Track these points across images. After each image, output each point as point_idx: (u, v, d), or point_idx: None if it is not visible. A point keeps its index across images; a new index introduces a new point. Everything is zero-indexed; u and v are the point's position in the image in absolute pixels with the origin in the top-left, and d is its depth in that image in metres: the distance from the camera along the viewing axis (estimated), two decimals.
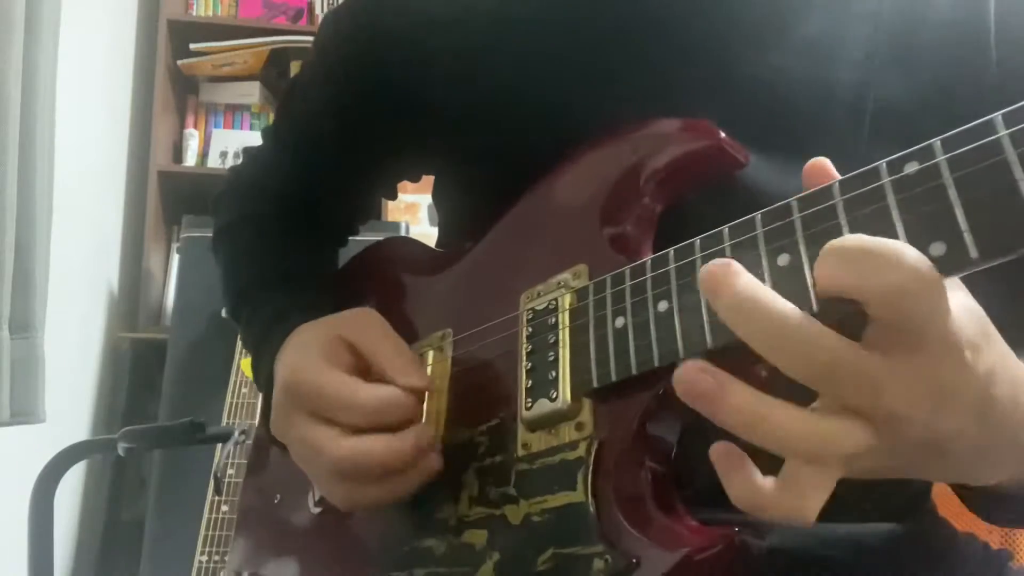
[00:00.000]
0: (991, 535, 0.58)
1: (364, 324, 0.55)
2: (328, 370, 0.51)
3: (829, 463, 0.31)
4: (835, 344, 0.30)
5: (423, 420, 0.52)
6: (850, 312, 0.30)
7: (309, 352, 0.53)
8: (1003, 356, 0.33)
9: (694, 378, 0.31)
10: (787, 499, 0.31)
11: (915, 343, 0.29)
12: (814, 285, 0.31)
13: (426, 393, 0.53)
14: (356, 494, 0.51)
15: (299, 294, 0.65)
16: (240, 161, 0.80)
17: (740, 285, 0.31)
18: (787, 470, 0.32)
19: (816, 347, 0.30)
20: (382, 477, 0.49)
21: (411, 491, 0.50)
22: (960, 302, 0.31)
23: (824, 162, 0.35)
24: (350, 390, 0.50)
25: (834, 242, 0.30)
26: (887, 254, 0.28)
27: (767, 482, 0.32)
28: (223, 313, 1.69)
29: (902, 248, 0.28)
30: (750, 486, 0.32)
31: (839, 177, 0.33)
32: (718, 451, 0.33)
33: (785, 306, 0.30)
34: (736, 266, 0.31)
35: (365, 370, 0.52)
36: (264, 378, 0.60)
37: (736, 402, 0.31)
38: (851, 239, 0.30)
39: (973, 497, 0.48)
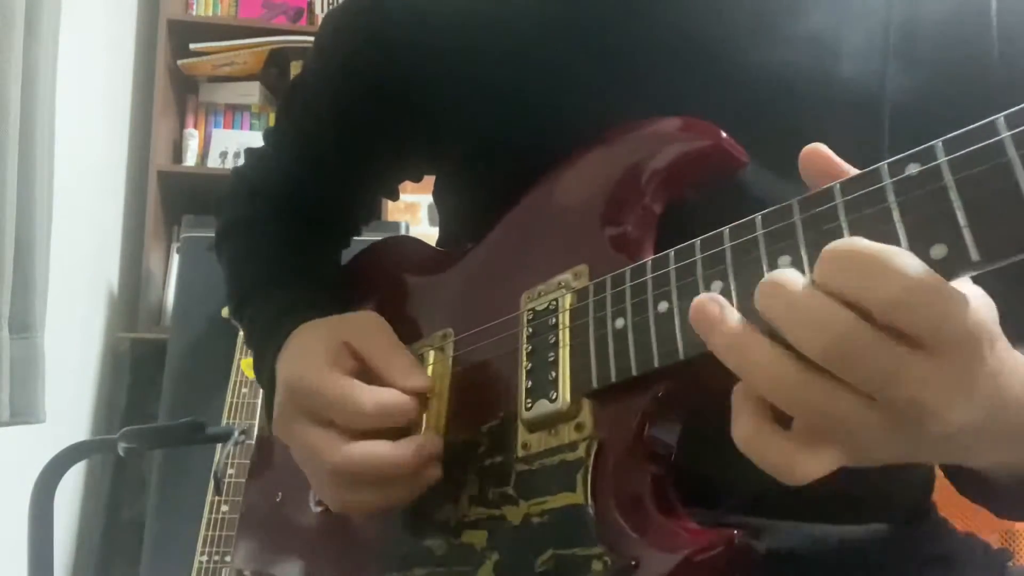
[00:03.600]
0: (991, 535, 0.58)
1: (366, 328, 0.55)
2: (329, 373, 0.51)
3: (820, 424, 0.31)
4: (863, 331, 0.29)
5: (424, 425, 0.52)
6: None
7: (311, 354, 0.53)
8: (1005, 342, 0.34)
9: (702, 301, 0.32)
10: (783, 451, 0.31)
11: (934, 341, 0.29)
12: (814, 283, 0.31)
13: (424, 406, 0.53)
14: (353, 500, 0.50)
15: (302, 292, 0.65)
16: (242, 162, 0.80)
17: (731, 322, 0.31)
18: (796, 426, 0.32)
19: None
20: (380, 484, 0.49)
21: (409, 500, 0.50)
22: (977, 293, 0.31)
23: (818, 147, 0.35)
24: (350, 393, 0.50)
25: (832, 247, 0.30)
26: (886, 264, 0.28)
27: (773, 428, 0.32)
28: (223, 313, 1.70)
29: (900, 258, 0.28)
30: (755, 424, 0.32)
31: (836, 160, 0.33)
32: (738, 389, 0.33)
33: (804, 288, 0.30)
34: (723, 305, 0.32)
35: (367, 374, 0.52)
36: (266, 376, 0.60)
37: (729, 327, 0.32)
38: (847, 245, 0.29)
39: (966, 483, 0.49)
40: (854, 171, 0.33)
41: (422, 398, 0.52)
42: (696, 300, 0.33)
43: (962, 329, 0.29)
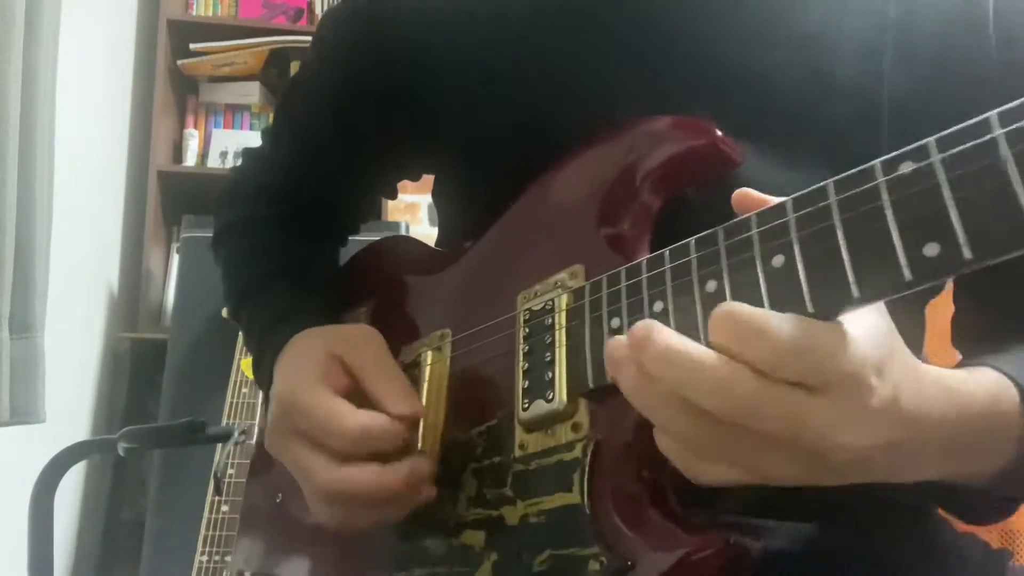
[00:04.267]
0: (991, 535, 0.58)
1: (360, 344, 0.54)
2: (320, 392, 0.51)
3: (736, 463, 0.34)
4: (764, 392, 0.32)
5: (420, 432, 0.52)
6: None
7: (305, 369, 0.53)
8: (905, 362, 0.35)
9: (610, 345, 0.35)
10: (683, 458, 0.35)
11: (824, 385, 0.32)
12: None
13: (424, 397, 0.53)
14: (344, 518, 0.50)
15: (299, 295, 0.65)
16: (240, 162, 0.80)
17: (661, 342, 0.33)
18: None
19: (732, 387, 0.32)
20: (372, 505, 0.49)
21: (401, 517, 0.50)
22: (860, 329, 0.33)
23: (747, 192, 0.37)
24: (337, 416, 0.49)
25: (714, 313, 0.33)
26: (758, 327, 0.31)
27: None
28: (223, 313, 1.69)
29: (770, 320, 0.31)
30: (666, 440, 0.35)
31: (767, 199, 0.35)
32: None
33: (701, 353, 0.33)
34: (655, 328, 0.34)
35: (360, 391, 0.52)
36: (266, 380, 0.60)
37: (631, 371, 0.35)
38: (725, 311, 0.32)
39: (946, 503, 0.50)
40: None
41: (413, 423, 0.51)
42: (607, 343, 0.36)
43: (842, 367, 0.32)
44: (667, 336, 0.33)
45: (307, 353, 0.54)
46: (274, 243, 0.71)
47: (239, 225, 0.74)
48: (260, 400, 1.45)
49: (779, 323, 0.31)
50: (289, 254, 0.70)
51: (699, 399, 0.32)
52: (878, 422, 0.33)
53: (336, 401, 0.50)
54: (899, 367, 0.34)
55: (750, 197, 0.37)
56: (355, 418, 0.49)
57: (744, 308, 0.32)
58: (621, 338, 0.35)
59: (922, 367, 0.37)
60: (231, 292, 0.70)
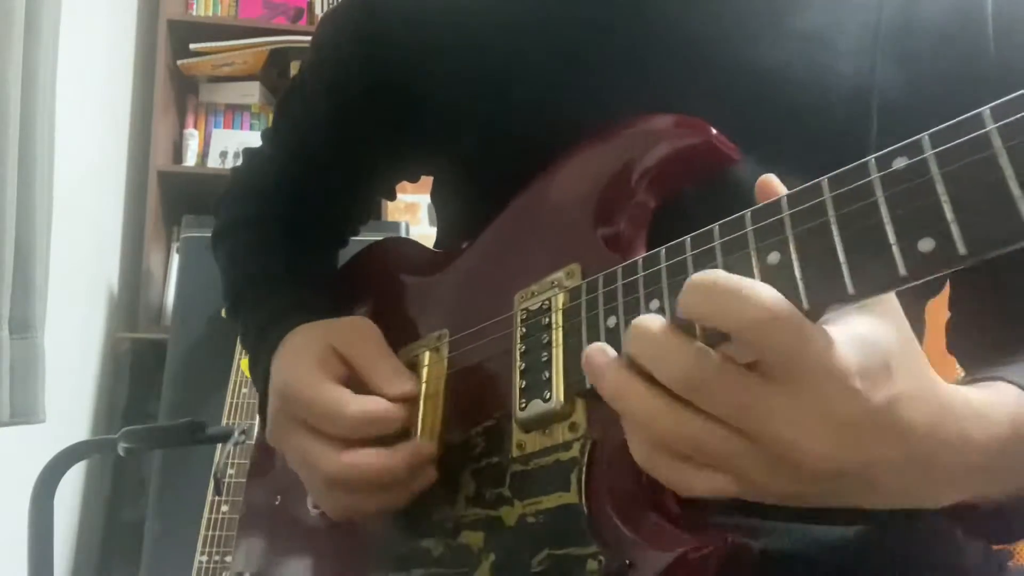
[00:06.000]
0: None
1: (356, 334, 0.55)
2: (319, 381, 0.51)
3: (700, 458, 0.33)
4: (708, 361, 0.31)
5: (419, 426, 0.52)
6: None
7: (302, 360, 0.53)
8: (919, 381, 0.33)
9: (589, 352, 0.35)
10: (673, 469, 0.34)
11: (786, 373, 0.30)
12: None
13: (422, 395, 0.53)
14: (349, 506, 0.51)
15: (297, 294, 0.65)
16: (240, 162, 0.80)
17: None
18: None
19: (688, 361, 0.31)
20: (374, 490, 0.49)
21: (405, 503, 0.50)
22: (850, 333, 0.32)
23: (769, 179, 0.36)
24: (336, 402, 0.50)
25: (695, 277, 0.32)
26: (743, 292, 0.30)
27: (662, 450, 0.34)
28: (223, 313, 1.69)
29: (757, 287, 0.30)
30: (647, 448, 0.34)
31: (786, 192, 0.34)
32: (624, 423, 0.35)
33: (657, 320, 0.33)
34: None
35: (357, 380, 0.52)
36: (261, 378, 0.60)
37: (611, 375, 0.34)
38: (710, 275, 0.31)
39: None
40: None
41: (415, 401, 0.52)
42: (586, 350, 0.35)
43: (816, 364, 0.30)
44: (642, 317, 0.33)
45: (304, 345, 0.55)
46: (273, 242, 0.71)
47: (239, 224, 0.74)
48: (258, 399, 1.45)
49: (770, 293, 0.30)
50: (288, 254, 0.70)
51: (650, 366, 0.32)
52: (859, 433, 0.31)
53: (336, 388, 0.51)
54: (905, 379, 0.32)
55: (771, 185, 0.36)
56: (355, 403, 0.49)
57: (728, 274, 0.31)
58: (598, 345, 0.35)
59: (943, 386, 0.35)
60: (229, 290, 0.70)
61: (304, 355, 0.54)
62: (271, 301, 0.64)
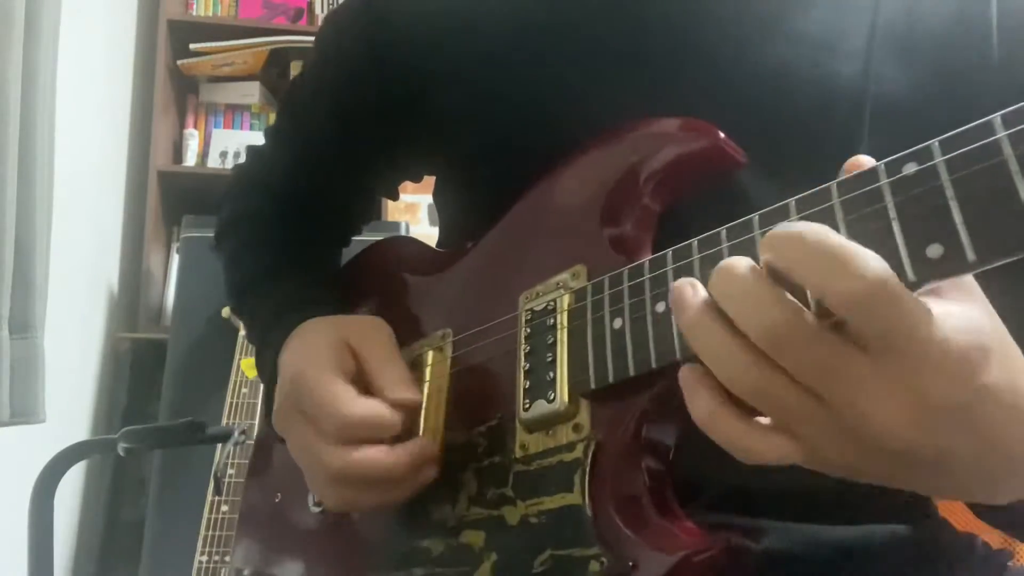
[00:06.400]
0: (991, 535, 0.58)
1: (369, 333, 0.55)
2: (328, 375, 0.51)
3: (767, 412, 0.31)
4: (799, 318, 0.29)
5: (422, 425, 0.52)
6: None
7: (315, 350, 0.54)
8: (1011, 374, 0.32)
9: (679, 284, 0.33)
10: (736, 429, 0.31)
11: (884, 346, 0.29)
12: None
13: (425, 396, 0.53)
14: (348, 499, 0.51)
15: (304, 288, 0.65)
16: (244, 159, 0.80)
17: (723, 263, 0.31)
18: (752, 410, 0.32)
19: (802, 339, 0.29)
20: (375, 486, 0.49)
21: (405, 499, 0.50)
22: (959, 313, 0.30)
23: (860, 159, 0.33)
24: (338, 400, 0.50)
25: (801, 231, 0.29)
26: (852, 259, 0.28)
27: (729, 408, 0.32)
28: (223, 313, 1.70)
29: (866, 257, 0.28)
30: (712, 403, 0.32)
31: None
32: (685, 372, 0.33)
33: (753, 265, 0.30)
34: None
35: (365, 379, 0.52)
36: (268, 371, 0.60)
37: (694, 309, 0.32)
38: (819, 233, 0.28)
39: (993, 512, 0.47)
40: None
41: (413, 412, 0.52)
42: (676, 282, 0.33)
43: (916, 343, 0.28)
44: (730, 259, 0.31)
45: (318, 336, 0.55)
46: (278, 238, 0.71)
47: (243, 219, 0.74)
48: (261, 398, 1.45)
49: (876, 263, 0.27)
50: (291, 248, 0.70)
51: (735, 310, 0.30)
52: (944, 419, 0.30)
53: (340, 386, 0.51)
54: (999, 373, 0.31)
55: (859, 162, 0.34)
56: (356, 404, 0.49)
57: (836, 234, 0.28)
58: (689, 280, 0.33)
59: None
60: (233, 284, 0.70)
61: (318, 345, 0.54)
62: (276, 295, 0.64)
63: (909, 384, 0.29)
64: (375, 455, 0.48)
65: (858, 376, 0.29)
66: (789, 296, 0.29)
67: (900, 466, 0.31)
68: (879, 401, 0.29)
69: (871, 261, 0.28)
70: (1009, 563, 0.55)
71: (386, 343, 0.54)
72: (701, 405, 0.32)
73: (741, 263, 0.31)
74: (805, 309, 0.29)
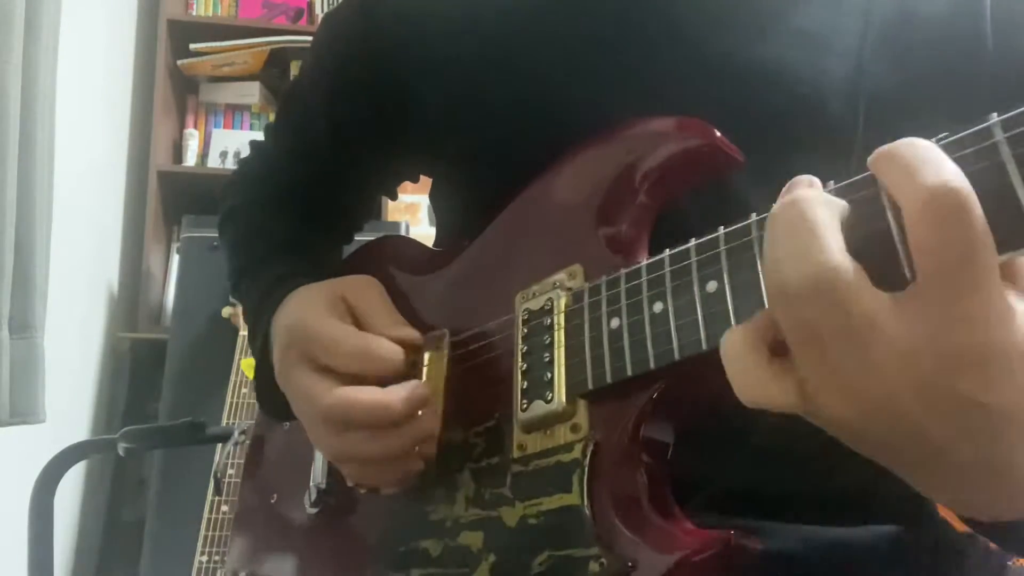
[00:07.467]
0: None
1: (363, 288, 0.57)
2: (326, 317, 0.54)
3: (805, 344, 0.29)
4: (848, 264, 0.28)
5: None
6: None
7: (311, 303, 0.56)
8: None
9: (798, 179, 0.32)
10: (748, 364, 0.31)
11: (924, 274, 0.27)
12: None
13: (423, 376, 0.53)
14: (344, 445, 0.51)
15: (300, 262, 0.66)
16: (247, 154, 0.81)
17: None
18: (778, 352, 0.31)
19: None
20: (371, 430, 0.49)
21: (402, 455, 0.50)
22: None
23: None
24: (342, 336, 0.52)
25: (906, 142, 0.28)
26: (930, 159, 0.27)
27: (756, 345, 0.31)
28: (224, 313, 1.70)
29: (943, 158, 0.27)
30: (744, 334, 0.31)
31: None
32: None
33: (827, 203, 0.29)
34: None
35: (362, 329, 0.54)
36: (259, 344, 0.61)
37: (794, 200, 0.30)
38: (904, 141, 0.28)
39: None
40: None
41: (410, 352, 0.53)
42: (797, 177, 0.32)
43: (981, 295, 0.26)
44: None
45: (311, 292, 0.58)
46: (277, 228, 0.72)
47: (244, 208, 0.75)
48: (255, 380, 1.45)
49: (954, 168, 0.26)
50: (290, 236, 0.71)
51: (787, 245, 0.29)
52: (981, 379, 0.27)
53: (341, 325, 0.53)
54: None
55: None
56: (356, 337, 0.52)
57: (925, 141, 0.27)
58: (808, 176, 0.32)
59: None
60: (232, 268, 0.71)
61: (314, 299, 0.56)
62: (275, 268, 0.65)
63: (959, 339, 0.27)
64: (368, 392, 0.49)
65: (901, 327, 0.27)
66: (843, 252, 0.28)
67: (901, 436, 0.30)
68: (898, 338, 0.27)
69: (946, 163, 0.27)
70: (1009, 563, 0.55)
71: (379, 296, 0.57)
72: (732, 339, 0.32)
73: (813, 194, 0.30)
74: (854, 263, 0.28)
